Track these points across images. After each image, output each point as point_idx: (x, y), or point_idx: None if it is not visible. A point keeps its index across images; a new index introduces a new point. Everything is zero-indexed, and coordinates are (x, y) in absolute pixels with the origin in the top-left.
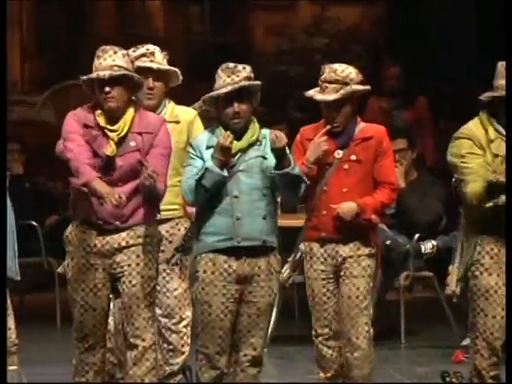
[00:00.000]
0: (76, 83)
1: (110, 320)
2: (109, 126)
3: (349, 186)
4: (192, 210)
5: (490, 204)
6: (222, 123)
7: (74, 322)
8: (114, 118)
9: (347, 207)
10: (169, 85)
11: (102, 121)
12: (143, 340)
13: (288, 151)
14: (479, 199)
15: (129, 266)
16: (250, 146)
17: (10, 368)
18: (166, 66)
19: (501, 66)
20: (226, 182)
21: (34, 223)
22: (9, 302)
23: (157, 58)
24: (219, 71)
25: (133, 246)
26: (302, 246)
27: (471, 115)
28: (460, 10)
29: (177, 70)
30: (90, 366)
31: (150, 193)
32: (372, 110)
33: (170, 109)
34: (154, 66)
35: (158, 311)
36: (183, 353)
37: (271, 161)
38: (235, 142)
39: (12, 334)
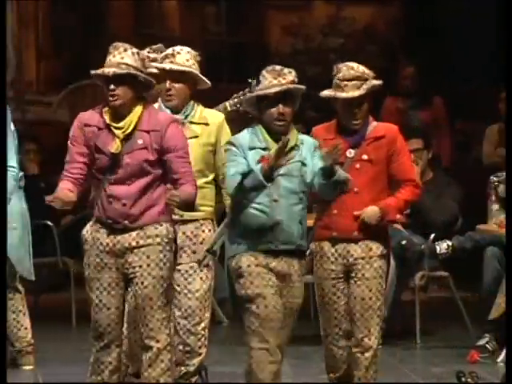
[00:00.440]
0: (91, 83)
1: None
2: (114, 124)
3: (360, 185)
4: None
5: None
6: (263, 124)
7: (91, 321)
8: (120, 115)
9: (371, 212)
10: (195, 86)
11: (107, 118)
12: (157, 341)
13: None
14: None
15: (140, 267)
16: (291, 149)
17: (26, 368)
18: (179, 67)
19: None
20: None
21: (49, 223)
22: (24, 301)
23: (177, 59)
24: (264, 73)
25: (143, 246)
26: (312, 246)
27: (487, 115)
28: (476, 9)
29: (193, 70)
30: (106, 365)
31: (183, 204)
32: (388, 110)
33: (199, 111)
34: (167, 66)
35: (177, 312)
36: (200, 354)
37: (309, 167)
38: (274, 143)
39: (28, 334)
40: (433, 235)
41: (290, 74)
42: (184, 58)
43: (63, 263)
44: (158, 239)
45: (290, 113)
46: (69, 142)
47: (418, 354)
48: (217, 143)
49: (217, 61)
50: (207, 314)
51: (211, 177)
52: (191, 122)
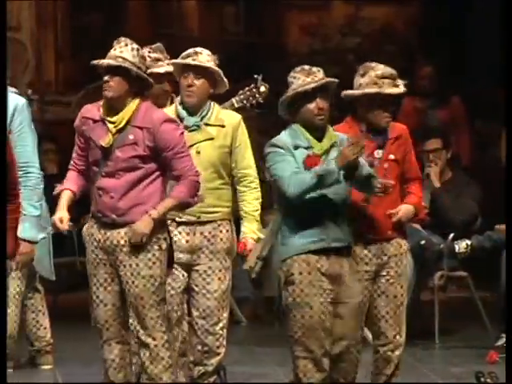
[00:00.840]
0: None
1: None
2: (108, 118)
3: None
4: None
5: None
6: (302, 122)
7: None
8: (115, 109)
9: (407, 210)
10: (214, 89)
11: (102, 111)
12: (154, 339)
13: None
14: None
15: (130, 266)
16: (332, 146)
17: (45, 367)
18: (204, 64)
19: None
20: None
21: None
22: (44, 301)
23: (200, 58)
24: (294, 74)
25: (131, 245)
26: None
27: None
28: (494, 9)
29: (218, 69)
30: (109, 363)
31: (177, 208)
32: (406, 110)
33: (215, 112)
34: (192, 62)
35: (195, 313)
36: (218, 354)
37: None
38: (317, 142)
39: (47, 334)
40: (452, 235)
41: (319, 72)
42: (205, 58)
43: (81, 263)
44: (145, 238)
45: (328, 107)
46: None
47: (437, 354)
48: (232, 144)
49: (235, 61)
50: (225, 314)
51: (228, 178)
52: (207, 124)
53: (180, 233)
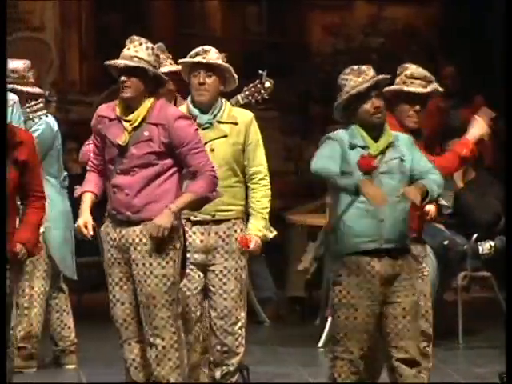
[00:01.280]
0: None
1: None
2: (124, 116)
3: None
4: None
5: None
6: (359, 122)
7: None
8: (130, 108)
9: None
10: (224, 86)
11: (118, 110)
12: (162, 339)
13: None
14: None
15: (143, 265)
16: (388, 146)
17: (69, 367)
18: (216, 61)
19: None
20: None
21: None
22: (68, 301)
23: (210, 55)
24: (344, 76)
25: (145, 244)
26: None
27: None
28: None
29: (229, 66)
30: (130, 363)
31: (193, 206)
32: (429, 111)
33: (228, 110)
34: (203, 60)
35: (213, 313)
36: (238, 353)
37: (408, 162)
38: (374, 143)
39: (71, 333)
40: (475, 235)
41: (369, 70)
42: (214, 55)
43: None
44: (166, 232)
45: (384, 105)
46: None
47: (461, 355)
48: (245, 142)
49: (257, 61)
50: (243, 314)
51: (241, 176)
52: (219, 122)
53: (194, 233)
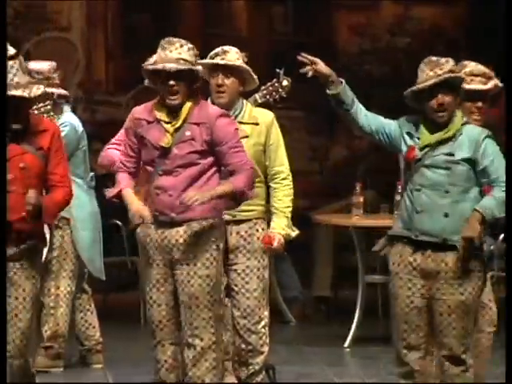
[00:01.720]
0: None
1: None
2: (164, 118)
3: None
4: None
5: None
6: (426, 116)
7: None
8: (171, 109)
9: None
10: (244, 86)
11: (158, 113)
12: (201, 340)
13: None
14: None
15: (187, 265)
16: (441, 142)
17: (95, 366)
18: (233, 63)
19: None
20: (413, 174)
21: (118, 223)
22: (91, 301)
23: (229, 56)
24: (422, 65)
25: (189, 244)
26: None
27: None
28: None
29: (247, 67)
30: (162, 364)
31: (230, 199)
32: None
33: (248, 110)
34: (222, 62)
35: (236, 312)
36: (262, 352)
37: (459, 156)
38: (427, 134)
39: (96, 333)
40: (502, 235)
41: (447, 64)
42: (234, 56)
43: (132, 263)
44: (204, 237)
45: (451, 102)
46: (123, 132)
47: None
48: (266, 142)
49: (283, 61)
50: (266, 313)
51: (262, 176)
52: (240, 123)
53: None
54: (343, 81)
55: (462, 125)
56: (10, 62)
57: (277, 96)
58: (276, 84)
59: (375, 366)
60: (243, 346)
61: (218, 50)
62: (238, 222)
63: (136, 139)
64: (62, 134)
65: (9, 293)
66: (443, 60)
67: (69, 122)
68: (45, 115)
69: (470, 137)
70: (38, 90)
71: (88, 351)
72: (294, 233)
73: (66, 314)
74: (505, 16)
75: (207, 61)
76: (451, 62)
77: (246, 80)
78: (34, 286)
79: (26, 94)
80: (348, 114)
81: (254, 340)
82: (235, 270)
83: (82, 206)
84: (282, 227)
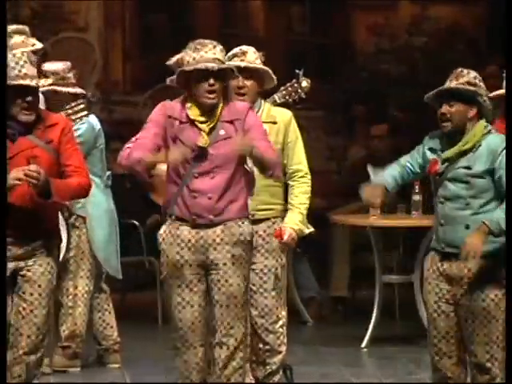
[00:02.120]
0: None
1: None
2: (199, 118)
3: None
4: None
5: None
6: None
7: (173, 322)
8: (203, 109)
9: None
10: (263, 85)
11: (192, 113)
12: (235, 339)
13: None
14: None
15: (224, 264)
16: (461, 155)
17: (113, 366)
18: (254, 65)
19: None
20: (437, 187)
21: (135, 222)
22: (109, 300)
23: (248, 57)
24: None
25: (227, 244)
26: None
27: None
28: None
29: (266, 68)
30: (193, 367)
31: (261, 162)
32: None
33: (267, 109)
34: (242, 64)
35: (254, 312)
36: (280, 352)
37: (476, 168)
38: (448, 148)
39: (114, 332)
40: None
41: (467, 75)
42: (253, 56)
43: (149, 263)
44: (242, 237)
45: (457, 112)
46: (148, 123)
47: None
48: (284, 141)
49: (301, 61)
50: (284, 312)
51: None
52: None
53: None
54: (386, 184)
55: (484, 135)
56: (18, 55)
57: (296, 97)
58: (295, 85)
59: (392, 367)
60: (261, 345)
61: (236, 50)
62: (257, 222)
63: (165, 135)
64: (79, 132)
65: (24, 289)
66: (465, 72)
67: (86, 120)
68: (79, 114)
69: (489, 147)
70: (45, 81)
71: (105, 351)
72: (308, 230)
73: (84, 314)
74: (505, 16)
75: (231, 63)
76: (472, 74)
77: (265, 80)
78: (50, 282)
79: (33, 83)
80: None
81: (271, 339)
82: (253, 270)
83: (98, 205)
84: (295, 222)
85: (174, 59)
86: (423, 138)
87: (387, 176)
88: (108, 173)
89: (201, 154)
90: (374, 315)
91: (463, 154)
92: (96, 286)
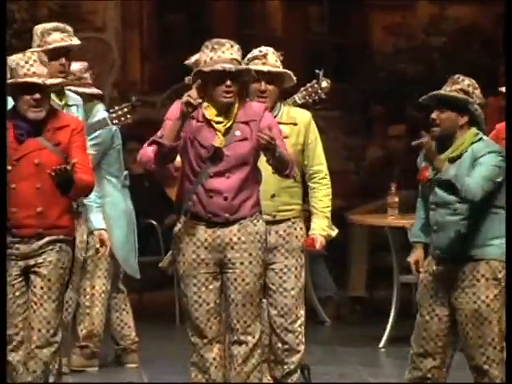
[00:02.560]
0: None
1: None
2: (215, 118)
3: None
4: None
5: None
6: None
7: (190, 320)
8: (220, 110)
9: None
10: (282, 87)
11: (208, 113)
12: (253, 337)
13: None
14: None
15: (241, 263)
16: (449, 162)
17: (130, 366)
18: (277, 69)
19: None
20: (428, 193)
21: (153, 222)
22: (127, 300)
23: (269, 60)
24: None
25: (244, 242)
26: None
27: None
28: None
29: (289, 71)
30: (210, 362)
31: (276, 158)
32: (491, 110)
33: (286, 111)
34: (265, 68)
35: (273, 311)
36: (298, 351)
37: (462, 178)
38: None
39: (132, 332)
40: None
41: (461, 82)
42: (273, 58)
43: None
44: (258, 236)
45: (447, 119)
46: (166, 120)
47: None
48: (305, 142)
49: (319, 61)
50: (302, 312)
51: (299, 176)
52: (279, 123)
53: None
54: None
55: (474, 143)
56: (28, 54)
57: (316, 97)
58: (315, 85)
59: None
60: (279, 344)
61: (256, 53)
62: (277, 222)
63: (182, 133)
64: (96, 132)
65: (35, 284)
66: (460, 79)
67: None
68: (122, 118)
69: (473, 154)
70: (54, 80)
71: (123, 351)
72: (334, 232)
73: (102, 314)
74: (505, 16)
75: (252, 66)
76: (467, 81)
77: (285, 81)
78: (61, 277)
79: (40, 80)
80: None
81: (290, 339)
82: (273, 269)
83: (116, 205)
84: (322, 228)
85: (192, 59)
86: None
87: (418, 233)
88: (125, 173)
89: (216, 154)
90: (392, 315)
91: (452, 161)
92: (114, 286)
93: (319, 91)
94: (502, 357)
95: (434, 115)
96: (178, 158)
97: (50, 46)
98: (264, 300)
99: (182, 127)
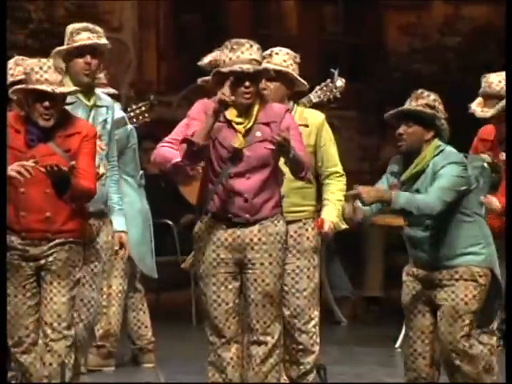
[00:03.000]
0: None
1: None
2: (236, 119)
3: None
4: None
5: None
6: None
7: (208, 319)
8: (240, 110)
9: None
10: (292, 88)
11: (229, 114)
12: (273, 337)
13: None
14: None
15: (261, 264)
16: (416, 177)
17: (147, 365)
18: (274, 67)
19: None
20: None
21: (169, 222)
22: (144, 300)
23: (274, 59)
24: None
25: (265, 243)
26: None
27: None
28: None
29: (290, 71)
30: (228, 362)
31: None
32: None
33: (299, 112)
34: (267, 65)
35: (286, 312)
36: (313, 352)
37: (423, 191)
38: (405, 171)
39: (148, 332)
40: None
41: (426, 97)
42: (281, 58)
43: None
44: (278, 237)
45: (413, 133)
46: (187, 119)
47: None
48: (317, 143)
49: (334, 61)
50: (316, 312)
51: (312, 177)
52: None
53: None
54: (393, 196)
55: (435, 156)
56: (44, 60)
57: (331, 96)
58: (330, 84)
59: None
60: (294, 345)
61: (267, 52)
62: (288, 223)
63: None
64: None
65: (45, 280)
66: (425, 94)
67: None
68: (140, 117)
69: (433, 167)
70: (65, 88)
71: (140, 350)
72: (344, 226)
73: (118, 313)
74: (505, 16)
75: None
76: (432, 97)
77: (295, 82)
78: (71, 274)
79: (49, 88)
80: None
81: (304, 339)
82: (285, 270)
83: (132, 204)
84: (333, 216)
85: (206, 60)
86: (455, 137)
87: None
88: (141, 172)
89: (236, 154)
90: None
91: (417, 176)
92: (130, 286)
93: (334, 90)
94: (472, 353)
95: (401, 130)
96: None
97: (75, 44)
98: None
99: (213, 125)
